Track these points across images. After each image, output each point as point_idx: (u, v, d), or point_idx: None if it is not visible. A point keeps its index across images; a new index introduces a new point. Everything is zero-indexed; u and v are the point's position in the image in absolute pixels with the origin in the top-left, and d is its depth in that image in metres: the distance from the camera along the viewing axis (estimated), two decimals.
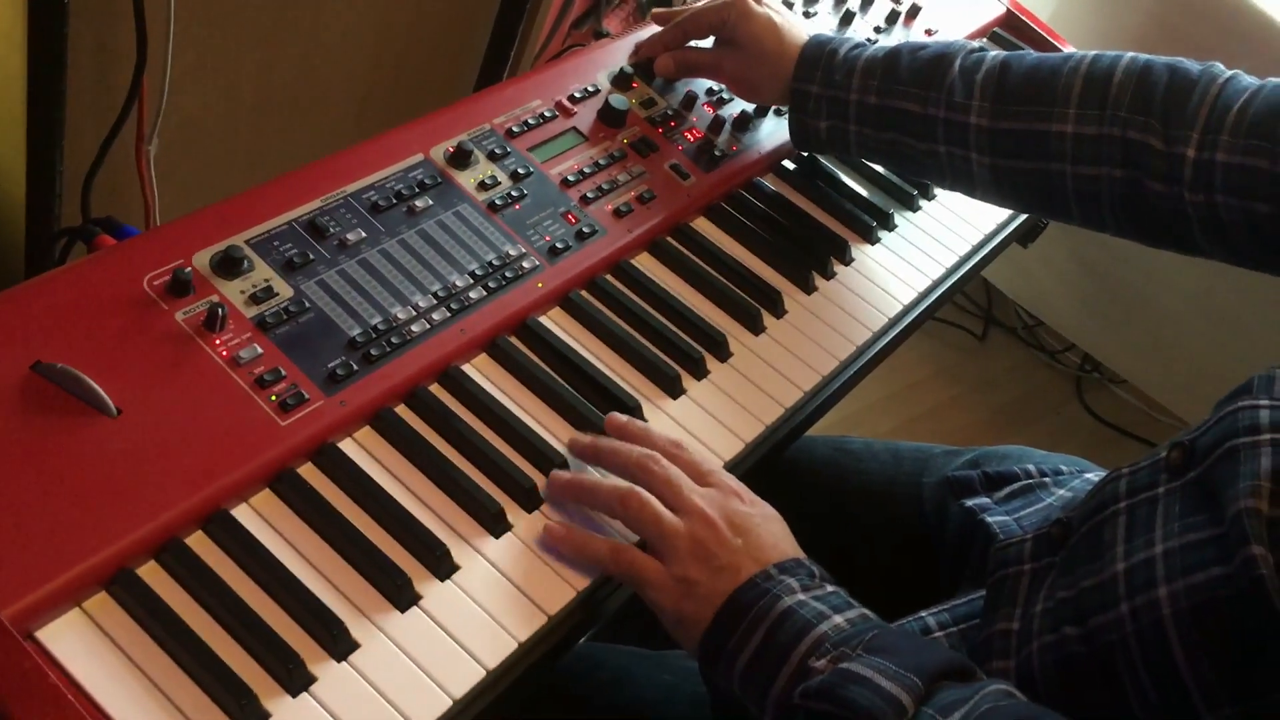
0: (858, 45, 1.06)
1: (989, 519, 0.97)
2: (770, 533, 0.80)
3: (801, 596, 0.75)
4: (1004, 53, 1.03)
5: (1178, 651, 0.69)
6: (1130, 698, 0.72)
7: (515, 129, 1.02)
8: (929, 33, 1.39)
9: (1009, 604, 0.85)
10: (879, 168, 1.22)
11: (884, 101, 1.03)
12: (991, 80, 1.00)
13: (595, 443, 0.83)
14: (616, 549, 0.79)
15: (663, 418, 0.91)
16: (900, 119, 1.03)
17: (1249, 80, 0.95)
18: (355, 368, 0.82)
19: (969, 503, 1.00)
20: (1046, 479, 1.02)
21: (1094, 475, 1.02)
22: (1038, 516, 0.95)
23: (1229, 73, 0.96)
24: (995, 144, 1.00)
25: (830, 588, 0.77)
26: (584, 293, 0.97)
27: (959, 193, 1.09)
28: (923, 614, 0.91)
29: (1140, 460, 0.82)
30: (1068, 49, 1.48)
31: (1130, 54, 0.99)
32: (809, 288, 1.07)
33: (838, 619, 0.74)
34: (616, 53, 1.15)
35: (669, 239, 1.04)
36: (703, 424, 0.92)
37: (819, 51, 1.06)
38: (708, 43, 1.14)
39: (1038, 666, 0.78)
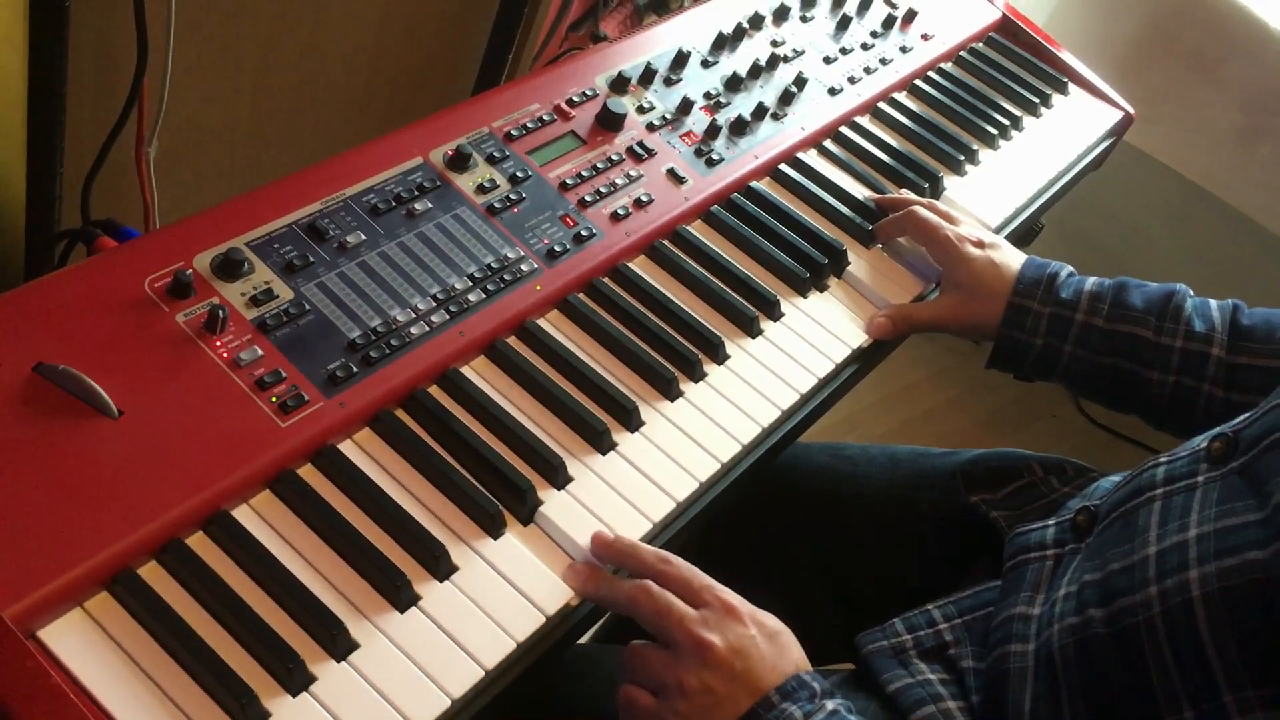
0: (1072, 272, 1.07)
1: (995, 514, 0.97)
2: (770, 653, 0.77)
3: None
4: (1232, 300, 1.03)
5: (1205, 634, 0.70)
6: (1152, 679, 0.72)
7: (514, 132, 1.03)
8: (925, 38, 1.40)
9: (1030, 589, 0.85)
10: (875, 171, 1.22)
11: (1113, 326, 1.02)
12: (1227, 317, 1.01)
13: (594, 578, 0.80)
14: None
15: (660, 420, 0.92)
16: (1129, 344, 1.02)
17: None
18: (355, 370, 0.82)
19: (974, 499, 1.01)
20: (1051, 477, 1.02)
21: (1097, 475, 1.02)
22: (1044, 512, 0.96)
23: None
24: (1232, 377, 0.99)
25: (831, 706, 0.76)
26: (582, 296, 0.97)
27: (1166, 430, 1.05)
28: (928, 607, 0.92)
29: (1178, 450, 0.82)
30: (1063, 53, 1.49)
31: None
32: (805, 291, 1.07)
33: None
34: (614, 56, 1.15)
35: (666, 243, 1.04)
36: (699, 426, 0.92)
37: (1040, 272, 1.06)
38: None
39: (1057, 648, 0.79)
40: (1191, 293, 1.04)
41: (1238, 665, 0.68)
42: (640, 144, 1.08)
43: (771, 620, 0.80)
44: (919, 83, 1.36)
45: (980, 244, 1.09)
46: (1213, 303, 1.03)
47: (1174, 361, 1.00)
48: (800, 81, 1.23)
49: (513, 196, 0.98)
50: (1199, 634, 0.70)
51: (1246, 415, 0.79)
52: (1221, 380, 0.99)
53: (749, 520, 1.11)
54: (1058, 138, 1.40)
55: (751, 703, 0.75)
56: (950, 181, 1.27)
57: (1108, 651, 0.75)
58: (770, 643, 0.78)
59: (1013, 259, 1.08)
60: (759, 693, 0.75)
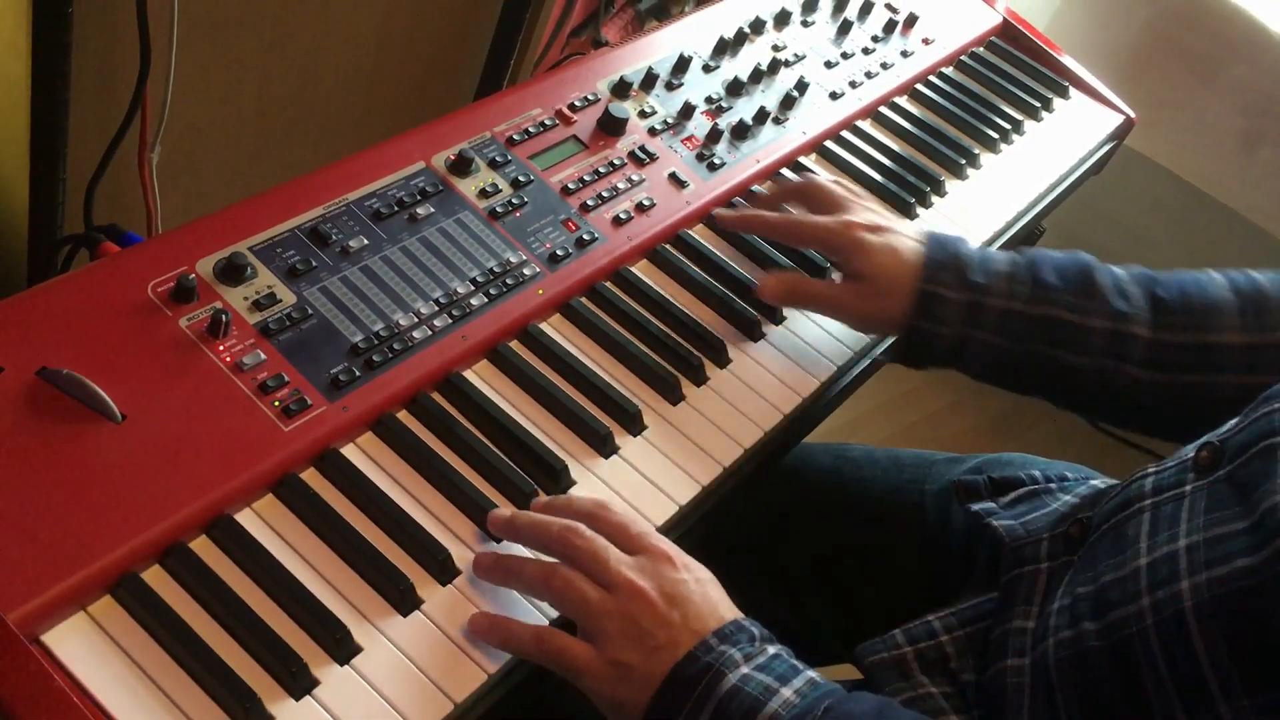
0: (974, 247, 0.98)
1: (996, 523, 0.97)
2: (706, 598, 0.76)
3: (745, 670, 0.73)
4: (1141, 268, 0.98)
5: (1198, 643, 0.69)
6: (1148, 691, 0.72)
7: (516, 137, 1.03)
8: (926, 42, 1.40)
9: (1025, 602, 0.85)
10: (877, 174, 1.22)
11: (1033, 309, 0.94)
12: (1144, 291, 0.95)
13: (513, 518, 0.79)
14: (540, 637, 0.74)
15: (662, 424, 0.92)
16: (1050, 328, 0.94)
17: None
18: (357, 374, 0.82)
19: (975, 507, 1.00)
20: (1052, 484, 1.02)
21: (1099, 482, 1.02)
22: (1044, 521, 0.96)
23: None
24: (1156, 357, 0.94)
25: (773, 650, 0.75)
26: (584, 299, 0.97)
27: (1076, 412, 0.99)
28: (929, 618, 0.92)
29: (1166, 460, 0.82)
30: (1064, 58, 1.50)
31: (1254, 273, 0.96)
32: None
33: (786, 692, 0.72)
34: (616, 61, 1.16)
35: (668, 246, 1.04)
36: (701, 429, 0.92)
37: (946, 252, 0.96)
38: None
39: (1053, 662, 0.78)
40: (1097, 261, 0.99)
41: (1232, 674, 0.68)
42: (642, 148, 1.09)
43: (703, 569, 0.78)
44: (920, 87, 1.36)
45: (876, 228, 0.98)
46: (1121, 273, 0.97)
47: (1096, 344, 0.95)
48: (801, 86, 1.24)
49: (515, 201, 0.98)
50: (1192, 644, 0.70)
51: (1234, 423, 0.79)
52: (1145, 360, 0.94)
53: (751, 520, 1.11)
54: (1058, 142, 1.40)
55: (691, 645, 0.73)
56: (951, 185, 1.27)
57: (1102, 664, 0.75)
58: (703, 590, 0.76)
59: (913, 242, 0.98)
60: (697, 636, 0.74)
